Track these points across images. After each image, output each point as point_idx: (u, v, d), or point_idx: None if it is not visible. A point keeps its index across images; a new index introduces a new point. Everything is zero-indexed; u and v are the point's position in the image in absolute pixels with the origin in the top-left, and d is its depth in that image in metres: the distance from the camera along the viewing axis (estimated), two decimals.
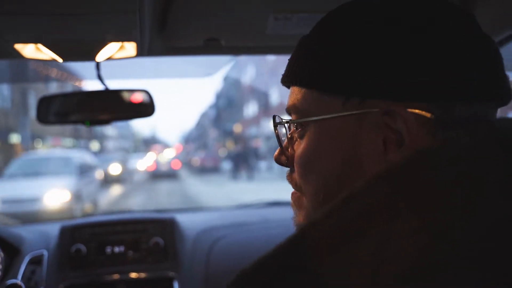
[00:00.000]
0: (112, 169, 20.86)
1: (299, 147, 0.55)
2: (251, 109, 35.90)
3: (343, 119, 0.50)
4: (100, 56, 1.12)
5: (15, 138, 20.21)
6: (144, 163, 31.89)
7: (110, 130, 51.67)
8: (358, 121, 0.49)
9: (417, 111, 0.46)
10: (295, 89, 0.55)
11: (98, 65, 1.23)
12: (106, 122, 1.34)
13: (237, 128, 39.94)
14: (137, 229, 1.67)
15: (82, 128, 34.15)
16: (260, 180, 18.41)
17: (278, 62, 20.52)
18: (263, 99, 31.44)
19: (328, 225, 0.40)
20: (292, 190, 0.60)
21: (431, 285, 0.35)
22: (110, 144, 52.46)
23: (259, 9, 1.02)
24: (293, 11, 1.02)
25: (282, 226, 1.79)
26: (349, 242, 0.38)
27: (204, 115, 68.75)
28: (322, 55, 0.51)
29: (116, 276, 1.56)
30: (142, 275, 1.57)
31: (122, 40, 1.04)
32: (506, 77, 0.51)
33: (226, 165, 30.54)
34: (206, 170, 26.35)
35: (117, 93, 1.30)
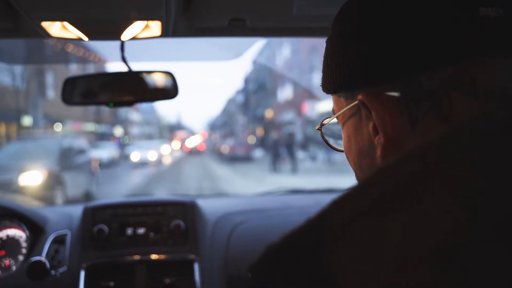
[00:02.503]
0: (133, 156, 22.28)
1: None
2: (285, 92, 33.18)
3: (347, 113, 0.56)
4: (125, 35, 1.15)
5: (26, 121, 18.08)
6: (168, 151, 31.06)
7: (134, 115, 50.59)
8: (357, 115, 0.54)
9: (381, 95, 0.49)
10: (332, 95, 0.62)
11: (122, 45, 1.26)
12: (130, 103, 1.38)
13: (269, 113, 37.43)
14: (158, 211, 1.71)
15: (105, 112, 32.91)
16: (305, 172, 16.18)
17: (317, 41, 17.57)
18: (302, 80, 28.70)
19: (355, 203, 0.40)
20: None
21: (465, 266, 0.34)
22: (134, 130, 50.95)
23: None
24: None
25: (303, 213, 1.84)
26: (377, 221, 0.38)
27: (231, 101, 67.42)
28: (324, 61, 0.58)
29: (136, 257, 1.61)
30: (163, 256, 1.62)
31: (147, 19, 1.06)
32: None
33: (258, 153, 28.35)
34: (237, 158, 25.32)
35: (140, 74, 1.34)
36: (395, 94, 0.47)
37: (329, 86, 0.57)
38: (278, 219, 1.82)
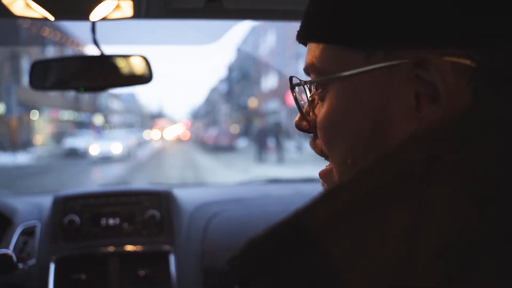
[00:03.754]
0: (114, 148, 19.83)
1: (321, 110, 0.51)
2: (270, 81, 33.11)
3: (369, 74, 0.45)
4: (95, 15, 1.10)
5: None
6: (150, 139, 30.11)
7: (115, 103, 49.79)
8: (386, 75, 0.45)
9: (453, 59, 0.41)
10: (312, 46, 0.52)
11: (93, 27, 1.21)
12: (101, 89, 1.36)
13: (253, 102, 37.33)
14: (132, 201, 1.67)
15: (84, 100, 32.30)
16: (292, 162, 16.06)
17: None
18: (288, 68, 28.60)
19: (354, 190, 0.37)
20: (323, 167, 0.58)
21: (475, 263, 0.32)
22: (115, 118, 50.35)
23: None
24: None
25: (281, 202, 1.83)
26: (378, 211, 0.35)
27: (214, 90, 67.21)
28: (338, 3, 0.47)
29: (110, 249, 1.57)
30: (137, 248, 1.59)
31: None
32: None
33: (242, 143, 28.30)
34: (221, 148, 25.24)
35: (112, 58, 1.30)
36: (468, 62, 0.40)
37: (323, 31, 0.48)
38: (256, 209, 1.80)
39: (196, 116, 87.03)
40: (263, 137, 18.52)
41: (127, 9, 1.08)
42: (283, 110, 29.96)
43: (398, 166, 0.36)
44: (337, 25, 0.47)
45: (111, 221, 1.63)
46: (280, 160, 16.99)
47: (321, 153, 0.55)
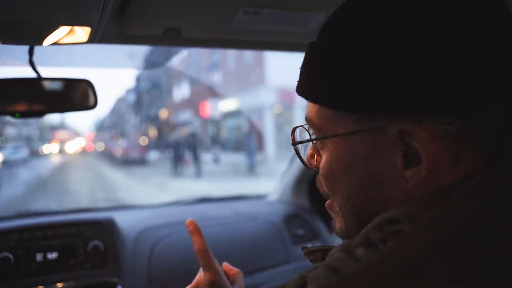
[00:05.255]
0: None
1: (322, 159, 0.58)
2: (182, 91, 32.25)
3: (360, 135, 0.52)
4: (48, 41, 1.07)
5: None
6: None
7: None
8: (375, 137, 0.51)
9: (432, 126, 0.48)
10: (308, 102, 0.58)
11: (31, 49, 1.17)
12: (40, 114, 1.27)
13: (164, 113, 36.11)
14: (72, 232, 1.58)
15: None
16: (210, 176, 15.62)
17: None
18: (201, 79, 27.89)
19: (428, 237, 0.42)
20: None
21: None
22: (10, 131, 46.09)
23: (229, 1, 1.00)
24: (264, 6, 1.02)
25: (221, 223, 1.86)
26: (452, 256, 0.41)
27: (120, 100, 64.12)
28: (329, 70, 0.51)
29: (52, 287, 1.47)
30: (81, 283, 1.50)
31: (78, 24, 1.00)
32: None
33: (153, 156, 27.08)
34: (131, 162, 24.05)
35: (52, 82, 1.23)
36: (449, 127, 0.47)
37: (316, 95, 0.53)
38: None
39: (101, 128, 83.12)
40: (179, 149, 17.56)
41: (82, 35, 1.06)
42: (196, 121, 29.14)
43: (465, 216, 0.43)
44: (328, 90, 0.51)
45: (49, 256, 1.51)
46: (198, 173, 16.25)
47: (324, 193, 0.61)
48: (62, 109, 1.30)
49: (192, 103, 29.52)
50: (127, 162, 23.82)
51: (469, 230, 0.41)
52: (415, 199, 0.49)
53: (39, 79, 1.20)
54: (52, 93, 1.24)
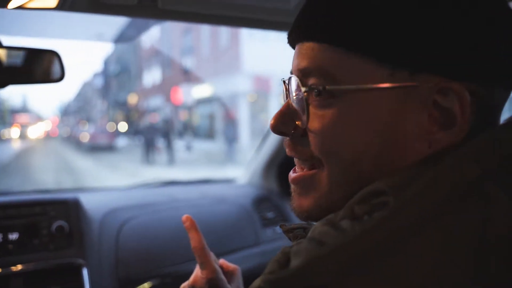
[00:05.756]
0: None
1: (324, 116, 0.51)
2: (153, 76, 31.28)
3: (388, 91, 0.47)
4: (13, 3, 1.01)
5: None
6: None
7: None
8: (404, 95, 0.47)
9: (471, 89, 0.47)
10: (315, 47, 0.51)
11: None
12: (0, 85, 1.20)
13: (133, 98, 35.05)
14: (36, 212, 1.52)
15: None
16: (183, 164, 14.88)
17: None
18: (173, 63, 27.02)
19: (418, 204, 0.41)
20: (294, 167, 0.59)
21: None
22: None
23: None
24: None
25: (191, 205, 1.87)
26: (442, 224, 0.40)
27: (87, 85, 63.03)
28: (370, 11, 0.47)
29: (13, 268, 1.39)
30: (44, 264, 1.43)
31: None
32: None
33: (122, 142, 26.25)
34: (99, 148, 23.27)
35: (15, 51, 1.18)
36: (482, 90, 0.47)
37: (346, 36, 0.47)
38: (167, 213, 1.76)
39: (66, 112, 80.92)
40: (151, 135, 16.81)
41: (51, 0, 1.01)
42: (166, 107, 28.34)
43: (452, 184, 0.41)
44: (370, 35, 0.46)
45: (11, 236, 1.43)
46: (171, 161, 15.67)
47: (306, 161, 0.55)
48: (25, 81, 1.21)
49: (163, 89, 28.70)
50: (94, 148, 23.06)
51: (461, 197, 0.40)
52: (401, 169, 0.47)
53: (0, 47, 1.12)
54: (15, 63, 1.18)
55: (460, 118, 0.46)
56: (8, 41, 1.14)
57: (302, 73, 0.52)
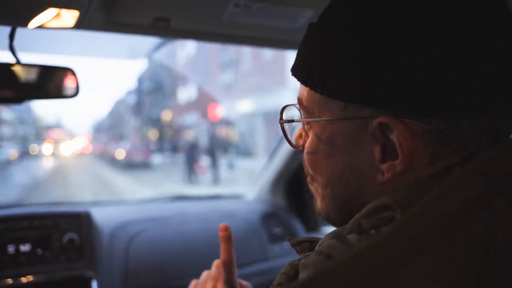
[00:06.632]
0: None
1: (308, 140, 0.59)
2: (188, 93, 30.61)
3: (343, 123, 0.52)
4: (33, 23, 1.04)
5: None
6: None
7: (4, 112, 43.85)
8: (357, 127, 0.51)
9: (410, 123, 0.48)
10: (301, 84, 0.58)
11: (13, 32, 1.12)
12: (18, 100, 1.22)
13: (167, 115, 34.48)
14: (47, 224, 1.54)
15: None
16: (227, 183, 14.19)
17: None
18: (210, 79, 26.28)
19: (425, 218, 0.41)
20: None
21: None
22: (5, 130, 44.56)
23: None
24: (255, 0, 1.03)
25: (200, 219, 1.86)
26: (450, 239, 0.40)
27: (120, 102, 62.86)
28: (321, 56, 0.52)
29: (23, 279, 1.40)
30: (55, 276, 1.45)
31: (66, 7, 0.98)
32: None
33: (157, 159, 25.58)
34: (135, 165, 22.52)
35: (32, 68, 1.20)
36: (428, 127, 0.48)
37: (322, 84, 0.52)
38: (177, 227, 1.78)
39: (98, 130, 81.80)
40: (194, 153, 15.80)
41: (69, 19, 1.03)
42: (203, 124, 27.44)
43: (463, 196, 0.41)
44: (323, 78, 0.52)
45: (23, 248, 1.45)
46: (216, 180, 14.55)
47: (307, 172, 0.62)
48: (40, 96, 1.24)
49: (199, 105, 27.85)
50: (130, 165, 22.41)
51: (467, 212, 0.40)
52: (407, 187, 0.50)
53: (18, 64, 1.15)
54: (32, 79, 1.19)
55: (400, 149, 0.48)
56: (34, 58, 1.17)
57: (298, 102, 0.59)
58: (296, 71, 0.57)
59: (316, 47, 0.52)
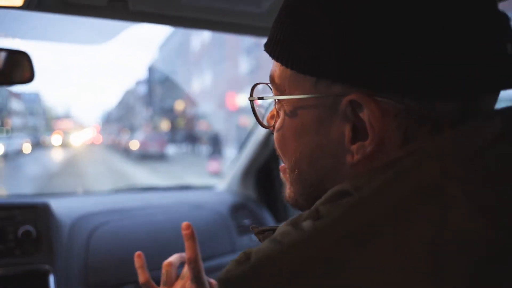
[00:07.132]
0: None
1: (278, 120, 0.57)
2: (203, 82, 29.49)
3: (314, 101, 0.50)
4: None
5: None
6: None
7: (14, 103, 43.21)
8: (329, 105, 0.49)
9: (382, 100, 0.46)
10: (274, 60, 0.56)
11: None
12: None
13: (179, 105, 33.52)
14: (1, 216, 1.46)
15: None
16: None
17: None
18: (226, 66, 25.16)
19: (374, 204, 0.40)
20: None
21: (499, 275, 0.36)
22: (15, 121, 43.97)
23: None
24: None
25: (165, 212, 1.80)
26: (400, 225, 0.38)
27: (129, 93, 61.99)
28: (292, 28, 0.50)
29: None
30: (9, 270, 1.38)
31: None
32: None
33: (171, 150, 24.63)
34: (150, 156, 21.60)
35: None
36: (400, 106, 0.45)
37: (293, 59, 0.50)
38: (140, 219, 1.70)
39: (108, 120, 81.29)
40: (218, 144, 14.78)
41: None
42: (219, 113, 26.38)
43: (414, 182, 0.40)
44: (293, 52, 0.49)
45: None
46: None
47: (279, 155, 0.59)
48: None
49: (216, 94, 26.74)
50: (145, 156, 21.53)
51: (418, 198, 0.39)
52: (368, 172, 0.47)
53: None
54: None
55: (371, 130, 0.46)
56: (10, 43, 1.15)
57: (270, 79, 0.56)
58: (268, 46, 0.54)
59: (289, 21, 0.50)
